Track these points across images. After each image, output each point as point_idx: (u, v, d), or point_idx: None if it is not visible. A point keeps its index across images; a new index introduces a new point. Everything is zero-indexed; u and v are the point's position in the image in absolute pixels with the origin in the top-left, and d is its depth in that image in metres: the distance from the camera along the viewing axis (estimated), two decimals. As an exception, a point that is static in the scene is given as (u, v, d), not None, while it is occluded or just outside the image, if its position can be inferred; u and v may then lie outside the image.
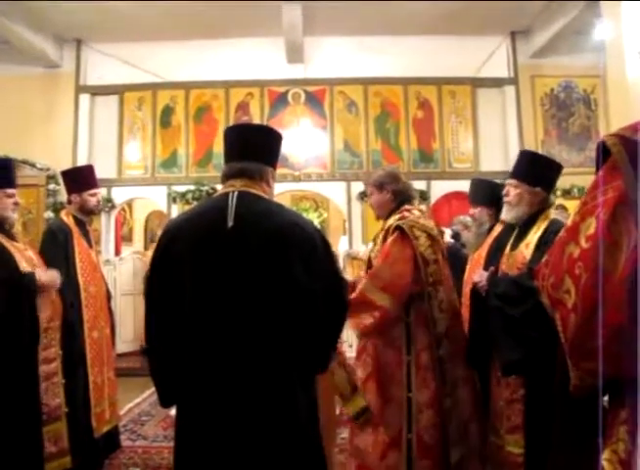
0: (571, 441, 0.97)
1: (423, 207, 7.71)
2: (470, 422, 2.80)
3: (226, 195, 1.89)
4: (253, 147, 2.00)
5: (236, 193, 1.88)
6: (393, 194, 3.00)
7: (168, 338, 1.87)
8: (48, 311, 2.90)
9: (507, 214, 2.81)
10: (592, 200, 0.90)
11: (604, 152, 0.91)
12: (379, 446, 2.74)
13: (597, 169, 0.93)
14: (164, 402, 2.00)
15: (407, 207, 2.96)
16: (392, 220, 2.90)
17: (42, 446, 2.85)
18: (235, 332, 1.75)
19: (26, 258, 2.93)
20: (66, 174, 3.93)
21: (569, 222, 0.94)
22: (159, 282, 1.89)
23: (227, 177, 1.98)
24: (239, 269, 1.78)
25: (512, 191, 2.74)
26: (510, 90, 8.17)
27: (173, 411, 5.06)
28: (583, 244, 0.89)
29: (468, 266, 3.64)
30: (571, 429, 0.96)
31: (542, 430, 2.22)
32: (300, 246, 1.83)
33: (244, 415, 1.73)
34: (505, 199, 2.81)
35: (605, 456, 0.90)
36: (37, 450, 2.81)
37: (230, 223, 1.80)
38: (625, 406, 0.87)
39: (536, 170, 2.73)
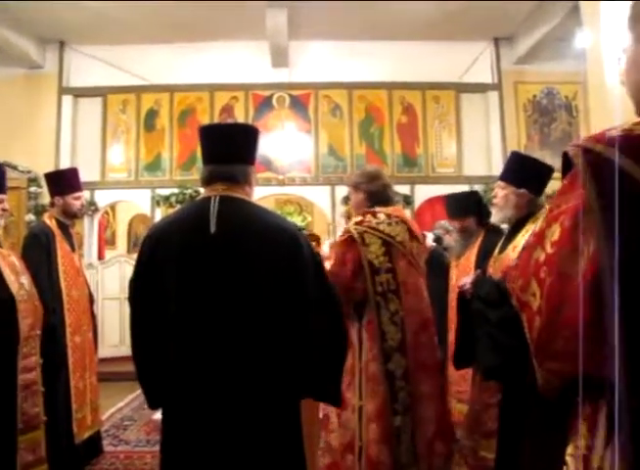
0: (540, 436, 1.03)
1: (407, 211, 7.76)
2: (435, 440, 2.72)
3: (208, 199, 1.88)
4: (235, 149, 1.97)
5: (218, 198, 1.86)
6: (368, 194, 2.94)
7: (153, 342, 1.86)
8: (30, 319, 2.85)
9: (495, 216, 2.86)
10: (557, 207, 0.95)
11: (568, 161, 0.95)
12: (341, 446, 2.77)
13: (562, 178, 0.98)
14: (152, 405, 1.99)
15: (377, 208, 2.87)
16: (352, 222, 2.86)
17: (16, 455, 2.79)
18: (220, 337, 1.75)
19: (9, 264, 2.89)
20: (49, 177, 3.89)
21: (537, 228, 0.99)
22: (143, 287, 1.89)
23: (209, 181, 1.95)
24: (223, 275, 1.78)
25: (499, 193, 2.78)
26: (493, 96, 8.24)
27: (156, 416, 5.05)
28: (548, 249, 0.93)
29: (454, 272, 3.65)
30: (541, 426, 1.04)
31: (514, 436, 2.23)
32: (286, 250, 1.82)
33: (229, 418, 1.73)
34: (493, 201, 2.85)
35: (568, 451, 0.96)
36: (11, 460, 2.76)
37: (213, 229, 1.80)
38: (587, 404, 0.92)
39: (522, 172, 2.74)
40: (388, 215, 2.85)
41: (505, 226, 3.10)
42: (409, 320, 2.75)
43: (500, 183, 2.80)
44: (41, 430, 2.95)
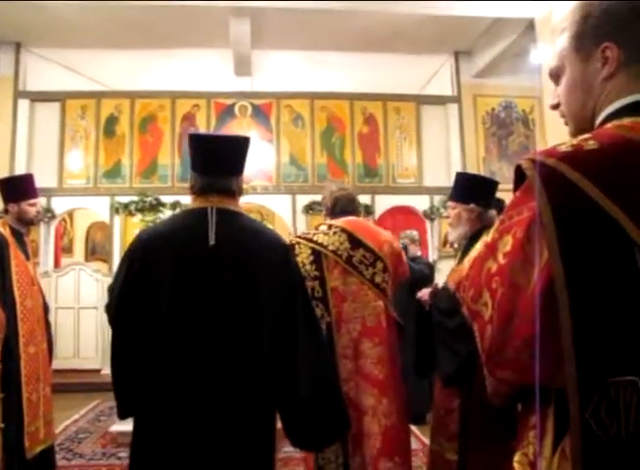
0: (488, 444, 1.05)
1: (369, 220, 7.82)
2: (380, 457, 2.71)
3: (204, 210, 1.87)
4: (235, 162, 1.99)
5: (215, 210, 1.86)
6: (325, 209, 3.16)
7: (136, 352, 1.83)
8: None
9: (451, 235, 2.96)
10: (509, 218, 0.97)
11: (521, 174, 0.98)
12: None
13: (514, 190, 1.00)
14: (123, 416, 1.94)
15: (328, 220, 3.05)
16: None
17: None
18: (217, 349, 1.74)
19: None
20: (3, 183, 3.78)
21: (488, 239, 1.00)
22: (132, 298, 1.84)
23: (204, 192, 1.93)
24: (222, 287, 1.78)
25: (451, 213, 2.90)
26: (453, 108, 8.41)
27: (113, 428, 4.93)
28: (500, 260, 0.94)
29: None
30: (490, 433, 1.04)
31: (472, 438, 2.30)
32: (280, 263, 1.86)
33: (210, 429, 1.72)
34: (448, 222, 2.94)
35: (516, 459, 0.98)
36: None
37: (211, 242, 1.79)
38: (533, 412, 0.95)
39: (468, 188, 2.86)
40: (330, 226, 2.97)
41: None
42: (345, 327, 2.80)
43: (450, 203, 2.93)
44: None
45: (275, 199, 8.01)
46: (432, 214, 8.06)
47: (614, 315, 0.84)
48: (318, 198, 7.83)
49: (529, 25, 6.48)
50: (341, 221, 2.98)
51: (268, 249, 1.86)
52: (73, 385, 6.21)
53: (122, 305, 1.86)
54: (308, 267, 2.81)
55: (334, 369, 2.00)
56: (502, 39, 7.37)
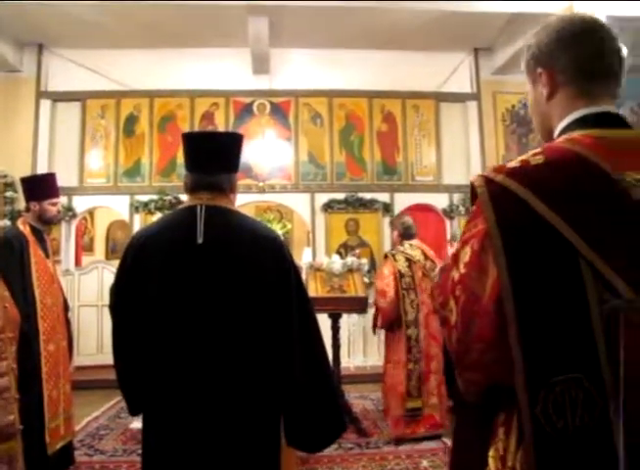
0: (468, 441, 1.15)
1: (386, 218, 7.80)
2: None
3: (193, 208, 1.87)
4: (221, 158, 1.97)
5: (204, 207, 1.86)
6: (398, 233, 5.15)
7: (135, 349, 1.86)
8: (-1, 321, 2.79)
9: None
10: (468, 231, 1.05)
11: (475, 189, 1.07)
12: None
13: (472, 203, 1.08)
14: (133, 412, 1.98)
15: (403, 242, 5.06)
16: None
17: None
18: (206, 345, 1.75)
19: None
20: (25, 182, 3.83)
21: (454, 250, 1.10)
22: (126, 294, 1.87)
23: (194, 189, 1.94)
24: (210, 283, 1.78)
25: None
26: (472, 105, 8.33)
27: (133, 425, 5.00)
28: (461, 269, 1.03)
29: None
30: (469, 430, 1.15)
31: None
32: (272, 259, 1.84)
33: (210, 424, 1.73)
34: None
35: (490, 453, 1.06)
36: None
37: (200, 239, 1.79)
38: (503, 410, 1.03)
39: None
40: (411, 245, 4.98)
41: None
42: (423, 308, 4.64)
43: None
44: (17, 440, 2.88)
45: (294, 197, 8.01)
46: (451, 213, 8.01)
47: (558, 319, 0.92)
48: (337, 196, 7.86)
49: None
50: (414, 241, 5.01)
51: (258, 244, 1.84)
52: (96, 382, 6.27)
53: (117, 302, 1.90)
54: (405, 269, 4.76)
55: (328, 362, 1.96)
56: (522, 35, 7.25)
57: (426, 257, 4.88)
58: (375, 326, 5.00)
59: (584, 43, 1.14)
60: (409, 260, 4.80)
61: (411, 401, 4.56)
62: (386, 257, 5.07)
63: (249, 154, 7.63)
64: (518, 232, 0.96)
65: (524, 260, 0.95)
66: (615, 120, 1.11)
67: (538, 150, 1.07)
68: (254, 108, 8.09)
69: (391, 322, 4.70)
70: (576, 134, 1.08)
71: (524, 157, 1.06)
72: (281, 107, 8.10)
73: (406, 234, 5.03)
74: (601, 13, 5.69)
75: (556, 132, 1.17)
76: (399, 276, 4.70)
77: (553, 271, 0.94)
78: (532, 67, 1.22)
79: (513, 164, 1.05)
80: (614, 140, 1.05)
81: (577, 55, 1.14)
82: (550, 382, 0.90)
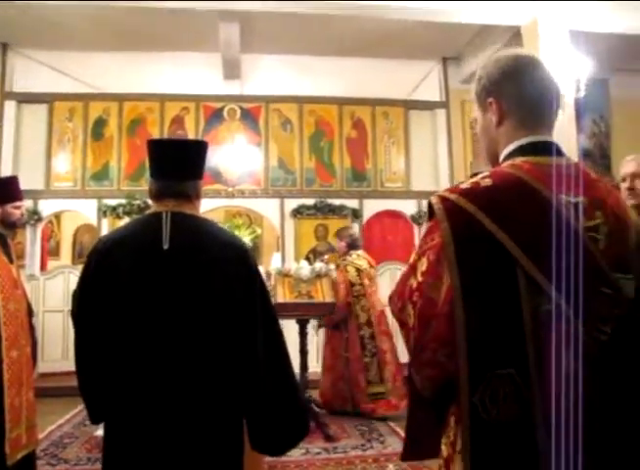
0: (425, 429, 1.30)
1: (356, 224, 7.85)
2: None
3: (159, 215, 1.87)
4: (187, 166, 1.97)
5: (169, 214, 1.86)
6: (346, 244, 5.93)
7: (98, 357, 1.83)
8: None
9: None
10: (425, 243, 1.18)
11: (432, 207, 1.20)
12: None
13: (428, 219, 1.23)
14: (94, 420, 1.95)
15: (350, 252, 5.89)
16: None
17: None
18: (169, 354, 1.74)
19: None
20: (-14, 185, 3.76)
21: (411, 260, 1.23)
22: (89, 301, 1.85)
23: (159, 197, 1.94)
24: (175, 291, 1.78)
25: None
26: (441, 113, 8.47)
27: (98, 432, 4.91)
28: (419, 278, 1.16)
29: None
30: (427, 421, 1.28)
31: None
32: (236, 266, 1.84)
33: (172, 433, 1.72)
34: None
35: (443, 440, 1.21)
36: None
37: (165, 245, 1.80)
38: (454, 402, 1.15)
39: None
40: (358, 255, 5.82)
41: None
42: (374, 310, 5.59)
43: None
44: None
45: (263, 202, 8.03)
46: (419, 219, 8.10)
47: (496, 322, 1.08)
48: (306, 202, 7.89)
49: (517, 33, 6.53)
50: (360, 252, 5.90)
51: (223, 250, 1.85)
52: (60, 389, 6.15)
53: (80, 307, 1.88)
54: (356, 279, 5.58)
55: (290, 364, 1.98)
56: (489, 46, 7.42)
57: (370, 265, 5.79)
58: (321, 326, 5.72)
59: (525, 79, 1.28)
60: (358, 270, 5.62)
61: (372, 387, 5.43)
62: (338, 266, 5.70)
63: (218, 159, 7.60)
64: (469, 244, 1.11)
65: (472, 270, 1.10)
66: (549, 148, 1.25)
67: (487, 174, 1.22)
68: (225, 113, 8.08)
69: (338, 323, 5.54)
70: (518, 161, 1.23)
71: (475, 179, 1.21)
72: (251, 112, 8.11)
73: (354, 245, 5.87)
74: (564, 27, 5.87)
75: (501, 157, 1.31)
76: (350, 285, 5.55)
77: (494, 279, 1.10)
78: (483, 97, 1.35)
79: (465, 185, 1.20)
80: (548, 166, 1.20)
81: (519, 89, 1.28)
82: (488, 376, 1.07)
